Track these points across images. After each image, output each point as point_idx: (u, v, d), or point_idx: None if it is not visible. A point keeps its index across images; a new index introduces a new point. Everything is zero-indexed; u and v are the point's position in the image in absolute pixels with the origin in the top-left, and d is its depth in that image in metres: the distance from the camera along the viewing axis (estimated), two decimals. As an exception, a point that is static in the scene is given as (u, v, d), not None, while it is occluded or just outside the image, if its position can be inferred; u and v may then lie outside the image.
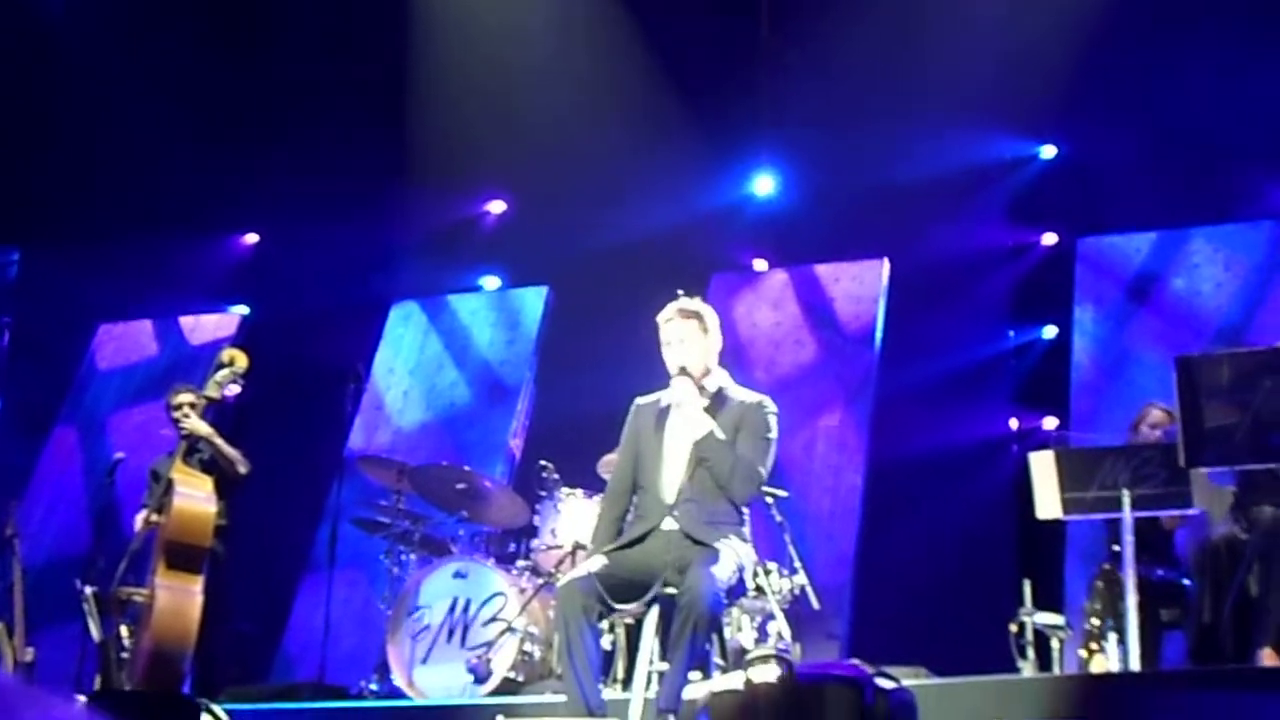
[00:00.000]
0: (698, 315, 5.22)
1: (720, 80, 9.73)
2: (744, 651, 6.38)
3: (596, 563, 5.00)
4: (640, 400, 5.37)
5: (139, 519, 6.87)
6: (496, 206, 10.96)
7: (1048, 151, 9.72)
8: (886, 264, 9.92)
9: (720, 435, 5.06)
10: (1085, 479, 5.88)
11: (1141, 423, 6.69)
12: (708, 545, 4.91)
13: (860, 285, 9.97)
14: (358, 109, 10.16)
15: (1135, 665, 5.70)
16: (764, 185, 10.28)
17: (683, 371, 5.12)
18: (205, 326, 11.32)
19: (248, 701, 6.53)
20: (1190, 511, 5.96)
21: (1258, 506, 5.73)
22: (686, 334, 5.18)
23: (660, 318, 5.23)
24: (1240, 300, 8.94)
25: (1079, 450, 6.24)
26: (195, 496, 6.50)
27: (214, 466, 7.00)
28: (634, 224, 9.71)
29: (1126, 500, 5.79)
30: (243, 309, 11.34)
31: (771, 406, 5.22)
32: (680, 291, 5.45)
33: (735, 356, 9.64)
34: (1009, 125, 9.53)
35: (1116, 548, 6.07)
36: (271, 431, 8.95)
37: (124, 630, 6.44)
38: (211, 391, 6.91)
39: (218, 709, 5.10)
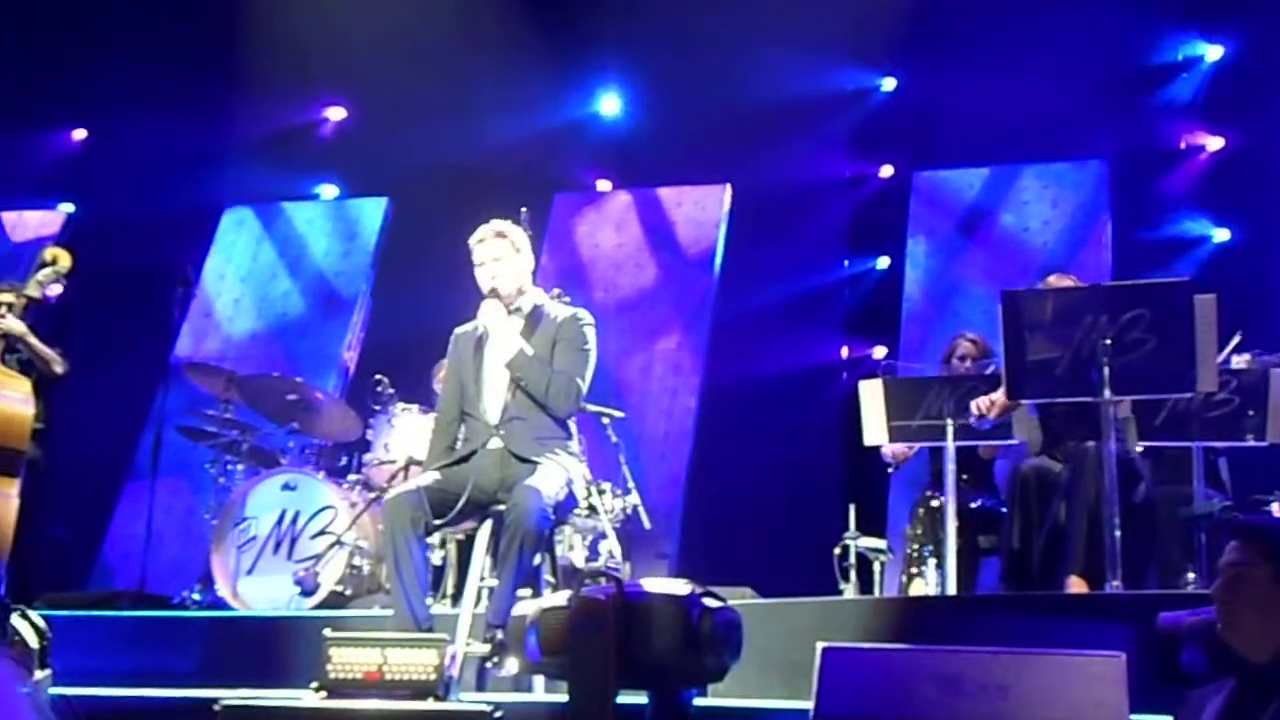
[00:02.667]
0: (507, 236, 5.21)
1: (568, -4, 9.62)
2: (575, 569, 6.44)
3: (427, 478, 4.99)
4: (459, 330, 5.35)
5: None
6: (335, 113, 10.72)
7: (888, 84, 9.85)
8: (728, 189, 9.98)
9: (530, 352, 5.06)
10: (911, 407, 6.04)
11: (952, 355, 6.86)
12: (534, 462, 4.93)
13: (702, 210, 10.02)
14: (195, 2, 9.80)
15: (952, 589, 5.90)
16: (609, 105, 10.23)
17: (492, 294, 5.11)
18: (28, 223, 10.90)
19: (65, 608, 6.37)
20: (1011, 442, 6.17)
21: (1066, 440, 5.93)
22: (498, 253, 5.17)
23: (472, 239, 5.21)
24: (1066, 238, 9.21)
25: (906, 379, 6.39)
26: (12, 398, 6.26)
27: (33, 367, 6.78)
28: (477, 139, 9.59)
29: (950, 430, 5.97)
30: (68, 206, 10.93)
31: (587, 318, 5.23)
32: (523, 209, 5.42)
33: (575, 277, 9.64)
34: (852, 56, 9.61)
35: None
36: (95, 334, 8.68)
37: (-66, 534, 6.21)
38: (32, 290, 6.67)
39: (34, 615, 4.96)
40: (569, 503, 5.10)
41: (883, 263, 10.05)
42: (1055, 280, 5.96)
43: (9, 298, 6.83)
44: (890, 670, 3.38)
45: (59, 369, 6.97)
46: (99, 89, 10.08)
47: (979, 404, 5.84)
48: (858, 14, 8.97)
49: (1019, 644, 3.42)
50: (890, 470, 7.05)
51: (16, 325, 6.75)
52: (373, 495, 6.89)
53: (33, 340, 6.86)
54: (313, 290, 10.44)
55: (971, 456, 6.57)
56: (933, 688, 3.29)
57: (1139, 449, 5.79)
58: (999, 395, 5.75)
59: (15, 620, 4.80)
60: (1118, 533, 5.03)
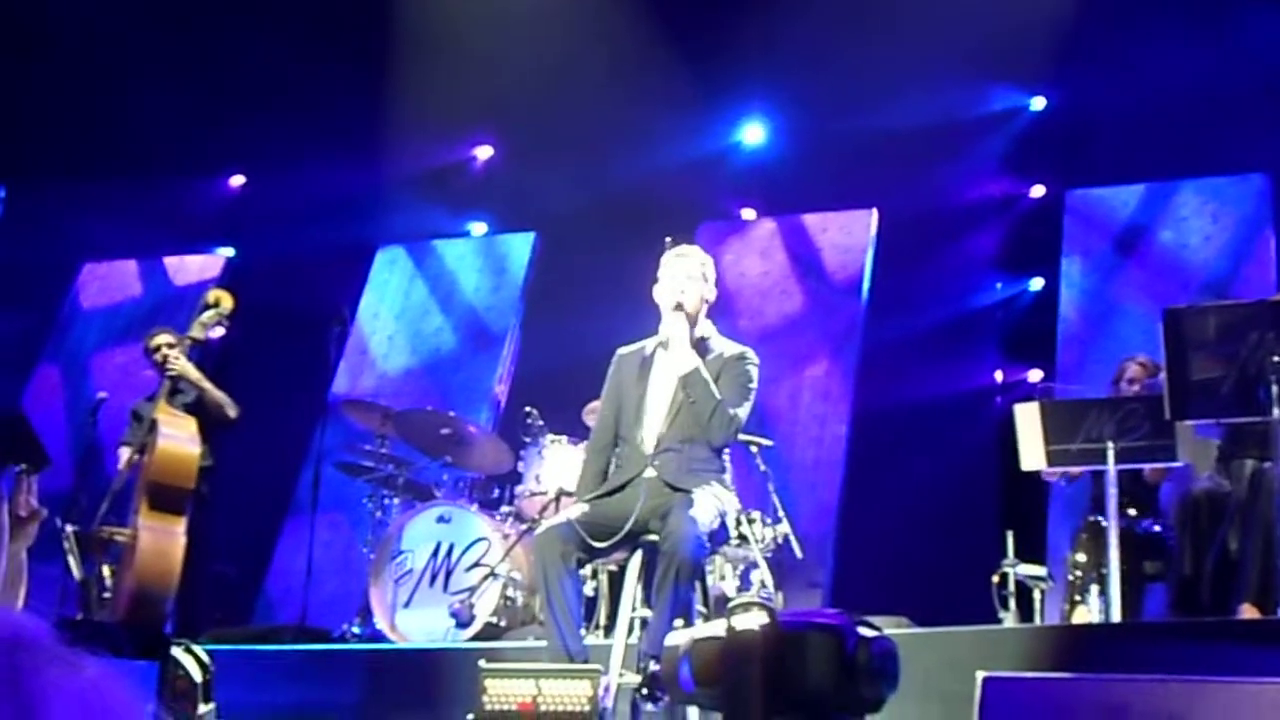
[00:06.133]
0: (704, 266, 5.23)
1: (710, 27, 9.63)
2: (727, 599, 6.40)
3: (577, 510, 5.00)
4: (622, 350, 5.35)
5: (121, 455, 6.86)
6: (483, 152, 10.88)
7: (1037, 103, 9.67)
8: (875, 214, 9.89)
9: (705, 374, 5.05)
10: (1070, 431, 5.89)
11: (1121, 378, 6.70)
12: (688, 491, 4.91)
13: (848, 235, 9.94)
14: (346, 51, 10.05)
15: (1117, 616, 5.73)
16: (753, 133, 10.21)
17: (678, 308, 5.10)
18: (190, 268, 11.26)
19: (230, 643, 6.53)
20: (1175, 464, 5.98)
21: (1240, 460, 5.73)
22: (689, 274, 5.17)
23: (669, 254, 5.21)
24: (1227, 253, 8.94)
25: (1064, 402, 6.24)
26: (179, 438, 6.47)
27: (198, 408, 6.96)
28: (622, 171, 9.65)
29: (1111, 453, 5.80)
30: (228, 251, 11.27)
31: (753, 358, 5.21)
32: (668, 239, 5.42)
33: (721, 306, 9.55)
34: (999, 76, 9.47)
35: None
36: (255, 374, 8.91)
37: (106, 570, 6.42)
38: (196, 333, 6.87)
39: (199, 649, 5.09)
40: (721, 533, 5.08)
41: (1036, 284, 9.85)
42: None
43: (168, 339, 7.03)
44: (1054, 700, 3.29)
45: (232, 413, 7.11)
46: (255, 136, 10.37)
47: None
48: (1004, 33, 8.84)
49: (1189, 673, 3.30)
50: (1064, 483, 6.87)
51: (191, 370, 6.93)
52: (525, 526, 6.95)
53: (206, 385, 7.01)
54: (464, 325, 10.60)
55: (1134, 480, 6.39)
56: (1098, 718, 3.18)
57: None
58: None
59: (180, 654, 4.93)
60: (1292, 557, 4.84)
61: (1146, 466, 6.26)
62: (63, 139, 10.50)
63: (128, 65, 9.93)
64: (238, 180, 11.33)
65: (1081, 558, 6.43)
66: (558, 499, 6.80)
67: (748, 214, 10.38)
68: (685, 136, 10.05)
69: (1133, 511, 6.34)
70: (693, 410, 5.02)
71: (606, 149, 9.70)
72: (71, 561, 6.43)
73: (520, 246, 10.73)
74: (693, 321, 5.17)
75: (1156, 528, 6.38)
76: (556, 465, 7.04)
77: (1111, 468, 5.83)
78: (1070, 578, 6.50)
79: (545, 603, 4.80)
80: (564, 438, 7.14)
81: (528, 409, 7.34)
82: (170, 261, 11.31)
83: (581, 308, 9.13)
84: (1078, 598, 6.40)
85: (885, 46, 9.03)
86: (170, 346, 6.95)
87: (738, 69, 9.79)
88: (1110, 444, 5.80)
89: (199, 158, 10.73)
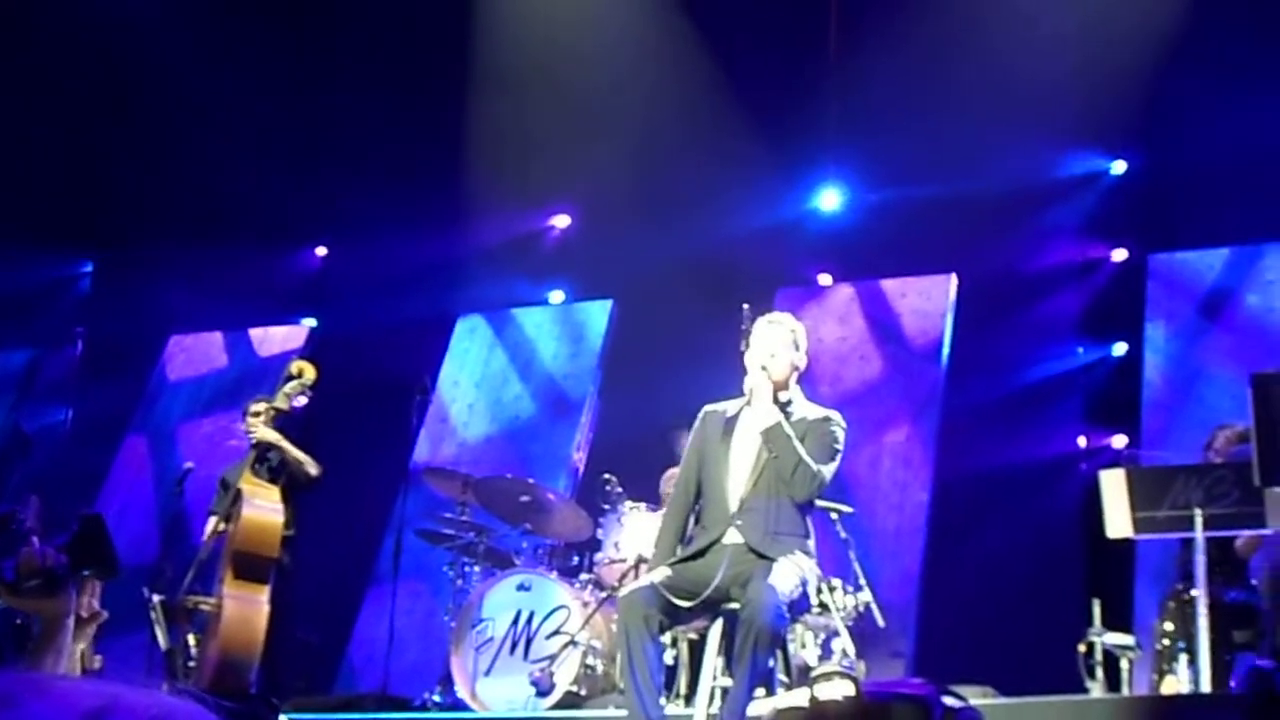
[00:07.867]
0: (795, 334, 5.28)
1: (786, 94, 9.71)
2: (808, 668, 6.34)
3: (659, 573, 4.98)
4: (709, 407, 5.38)
5: (208, 525, 6.96)
6: (561, 220, 10.98)
7: (1118, 166, 9.61)
8: (954, 279, 9.83)
9: (788, 429, 5.04)
10: (1157, 498, 5.81)
11: (1209, 446, 6.62)
12: (770, 559, 4.89)
13: (927, 300, 9.89)
14: (424, 123, 10.23)
15: (1206, 687, 5.61)
16: (829, 199, 10.22)
17: (763, 369, 5.13)
18: (274, 338, 11.42)
19: (313, 711, 6.57)
20: (1265, 531, 5.87)
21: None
22: (779, 340, 5.21)
23: (762, 320, 5.27)
24: (1317, 317, 8.78)
25: (1151, 469, 6.16)
26: (263, 507, 6.55)
27: (282, 474, 7.05)
28: (699, 238, 9.69)
29: (1199, 520, 5.71)
30: (311, 321, 11.43)
31: (839, 420, 5.22)
32: (745, 306, 5.44)
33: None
34: (1079, 139, 9.43)
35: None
36: (338, 443, 9.00)
37: (191, 639, 6.50)
38: (280, 403, 6.98)
39: (283, 719, 5.13)
40: (803, 602, 5.05)
41: (1119, 349, 9.73)
42: None
43: (260, 408, 7.15)
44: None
45: (313, 471, 7.21)
46: (337, 208, 10.57)
47: None
48: (1085, 97, 8.81)
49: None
50: None
51: (270, 434, 7.06)
52: (604, 594, 6.94)
53: (286, 446, 7.13)
54: (542, 393, 10.65)
55: (1223, 548, 6.27)
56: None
57: None
58: None
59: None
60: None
61: (1239, 535, 6.15)
62: (149, 215, 10.78)
63: (211, 141, 10.19)
64: (321, 251, 11.52)
65: (1169, 627, 6.32)
66: (636, 566, 6.79)
67: (825, 280, 10.36)
68: (761, 203, 10.09)
69: (1221, 579, 6.21)
70: (775, 465, 5.01)
71: (683, 216, 9.75)
72: (157, 631, 6.50)
73: (598, 314, 10.79)
74: (781, 387, 5.18)
75: (1245, 596, 6.25)
76: (635, 532, 7.04)
77: (1200, 535, 5.73)
78: (1158, 647, 6.38)
79: (626, 668, 4.79)
80: (642, 505, 7.15)
81: (606, 476, 7.35)
82: (255, 333, 11.48)
83: (659, 375, 9.15)
84: (1166, 667, 6.28)
85: (962, 110, 9.04)
86: (257, 415, 7.07)
87: (813, 135, 9.84)
88: (1198, 511, 5.71)
89: (283, 230, 10.94)
